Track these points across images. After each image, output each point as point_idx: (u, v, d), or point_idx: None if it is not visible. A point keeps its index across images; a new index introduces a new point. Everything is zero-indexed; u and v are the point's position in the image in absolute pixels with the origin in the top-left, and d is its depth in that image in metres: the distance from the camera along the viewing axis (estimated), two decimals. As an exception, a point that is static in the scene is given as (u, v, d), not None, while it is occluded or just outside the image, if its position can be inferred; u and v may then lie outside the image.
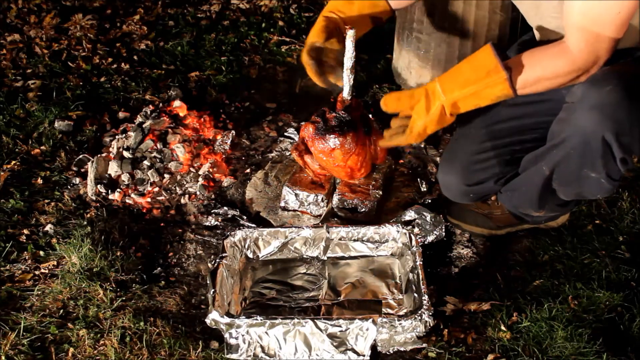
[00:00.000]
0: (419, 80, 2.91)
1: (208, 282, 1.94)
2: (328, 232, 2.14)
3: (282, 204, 2.35)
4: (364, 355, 1.81)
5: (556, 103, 1.83)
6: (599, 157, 1.73)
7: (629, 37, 1.75)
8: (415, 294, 1.90)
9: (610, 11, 1.58)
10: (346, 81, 2.17)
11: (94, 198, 2.43)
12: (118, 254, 2.15)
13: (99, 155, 2.55)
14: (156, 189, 2.47)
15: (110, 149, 2.60)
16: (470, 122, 2.07)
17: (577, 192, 1.89)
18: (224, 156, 2.63)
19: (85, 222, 2.30)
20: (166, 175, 2.51)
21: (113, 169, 2.50)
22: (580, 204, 2.31)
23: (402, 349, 1.86)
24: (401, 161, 2.60)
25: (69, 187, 2.51)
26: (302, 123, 2.31)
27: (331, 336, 1.81)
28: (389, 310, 1.99)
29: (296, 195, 2.32)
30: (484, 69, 1.66)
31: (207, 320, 1.84)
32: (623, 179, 2.44)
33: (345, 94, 2.20)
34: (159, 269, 2.17)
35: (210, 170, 2.53)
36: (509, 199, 2.12)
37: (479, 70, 1.67)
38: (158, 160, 2.55)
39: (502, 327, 1.89)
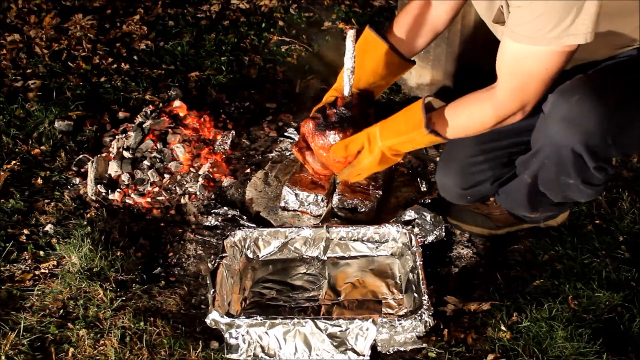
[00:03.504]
0: (419, 80, 2.92)
1: (208, 282, 1.94)
2: (328, 232, 2.14)
3: (282, 204, 2.35)
4: (364, 355, 1.81)
5: None
6: (571, 166, 1.73)
7: (598, 51, 1.75)
8: (415, 294, 1.90)
9: (539, 65, 1.56)
10: (346, 81, 2.17)
11: (94, 198, 2.43)
12: (118, 254, 2.15)
13: (99, 155, 2.55)
14: (156, 189, 2.47)
15: (110, 149, 2.60)
16: None
17: (562, 195, 1.90)
18: (224, 156, 2.63)
19: (85, 222, 2.30)
20: (166, 175, 2.51)
21: (113, 169, 2.50)
22: (580, 204, 2.31)
23: (402, 349, 1.86)
24: (401, 161, 2.60)
25: (69, 187, 2.51)
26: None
27: (331, 336, 1.81)
28: (389, 310, 1.99)
29: (296, 195, 2.32)
30: (412, 123, 1.75)
31: (207, 320, 1.84)
32: (623, 179, 2.45)
33: (346, 93, 2.20)
34: (159, 269, 2.17)
35: (210, 170, 2.53)
36: (505, 201, 2.12)
37: (408, 123, 1.76)
38: (158, 160, 2.55)
39: (502, 327, 1.89)
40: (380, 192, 2.34)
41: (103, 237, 2.21)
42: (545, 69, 1.57)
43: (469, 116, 1.72)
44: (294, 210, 2.34)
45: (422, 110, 1.71)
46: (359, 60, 1.87)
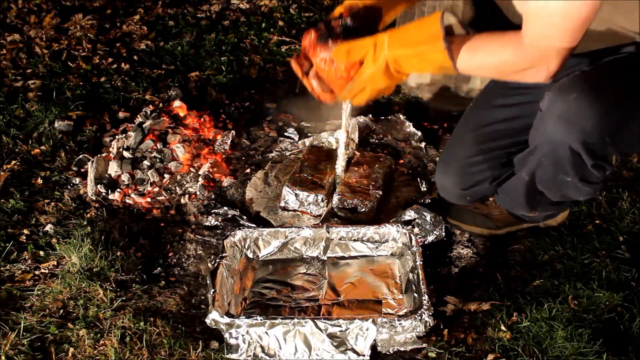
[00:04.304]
0: (419, 80, 2.92)
1: (208, 282, 1.94)
2: (328, 232, 2.14)
3: (282, 204, 2.35)
4: (364, 355, 1.81)
5: None
6: (569, 164, 1.73)
7: (599, 39, 1.73)
8: (415, 294, 1.90)
9: (562, 9, 1.48)
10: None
11: (94, 198, 2.43)
12: (118, 254, 2.15)
13: (99, 155, 2.55)
14: (156, 189, 2.47)
15: (110, 149, 2.60)
16: (465, 125, 2.08)
17: (560, 194, 1.89)
18: (224, 156, 2.63)
19: (85, 222, 2.30)
20: (166, 175, 2.51)
21: (113, 169, 2.50)
22: (580, 204, 2.31)
23: (402, 349, 1.86)
24: (401, 161, 2.60)
25: (69, 187, 2.51)
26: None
27: (331, 336, 1.81)
28: (389, 310, 1.99)
29: (296, 195, 2.32)
30: (427, 33, 1.61)
31: (207, 320, 1.84)
32: (623, 179, 2.44)
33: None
34: (159, 269, 2.17)
35: (210, 170, 2.53)
36: (504, 200, 2.12)
37: (422, 34, 1.62)
38: (158, 160, 2.55)
39: (502, 327, 1.89)
40: (380, 192, 2.34)
41: (103, 237, 2.21)
42: (569, 12, 1.47)
43: (489, 54, 1.62)
44: (294, 210, 2.34)
45: (440, 22, 1.59)
46: None
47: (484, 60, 1.61)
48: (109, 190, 2.44)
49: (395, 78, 1.69)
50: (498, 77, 1.69)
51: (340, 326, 1.80)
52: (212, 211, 2.39)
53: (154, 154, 2.56)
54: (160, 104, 2.86)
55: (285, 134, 2.75)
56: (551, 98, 1.68)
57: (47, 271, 2.13)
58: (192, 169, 2.55)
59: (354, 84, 1.74)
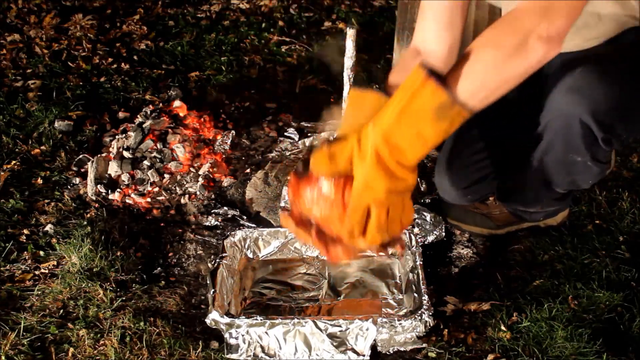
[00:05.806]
0: (419, 80, 2.91)
1: (208, 282, 1.94)
2: (328, 232, 2.14)
3: (282, 204, 2.35)
4: (364, 355, 1.81)
5: None
6: (580, 139, 1.73)
7: (607, 29, 1.76)
8: (415, 294, 1.90)
9: None
10: (346, 80, 2.19)
11: (94, 198, 2.43)
12: (118, 254, 2.15)
13: (99, 155, 2.55)
14: (156, 189, 2.47)
15: (110, 149, 2.60)
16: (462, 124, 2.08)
17: (568, 180, 1.89)
18: (224, 156, 2.63)
19: (85, 222, 2.30)
20: (166, 175, 2.51)
21: (113, 169, 2.50)
22: (580, 204, 2.31)
23: (402, 349, 1.86)
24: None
25: (69, 187, 2.51)
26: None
27: (331, 336, 1.81)
28: (389, 310, 1.99)
29: (296, 195, 2.32)
30: (408, 81, 1.27)
31: (207, 320, 1.84)
32: (623, 179, 2.45)
33: (345, 93, 2.22)
34: (159, 269, 2.17)
35: (210, 170, 2.53)
36: (505, 196, 2.12)
37: (405, 90, 1.27)
38: (158, 160, 2.55)
39: (502, 327, 1.89)
40: (380, 192, 2.34)
41: (103, 237, 2.21)
42: None
43: (486, 42, 1.36)
44: (294, 210, 2.34)
45: (421, 68, 1.26)
46: (353, 115, 1.45)
47: (483, 61, 1.33)
48: (109, 190, 2.44)
49: (398, 176, 1.28)
50: (505, 73, 1.31)
51: (340, 326, 1.80)
52: (212, 211, 2.39)
53: (154, 154, 2.56)
54: (160, 104, 2.86)
55: (285, 134, 2.75)
56: (558, 75, 1.70)
57: (47, 271, 2.13)
58: (192, 169, 2.55)
59: (350, 210, 1.32)
